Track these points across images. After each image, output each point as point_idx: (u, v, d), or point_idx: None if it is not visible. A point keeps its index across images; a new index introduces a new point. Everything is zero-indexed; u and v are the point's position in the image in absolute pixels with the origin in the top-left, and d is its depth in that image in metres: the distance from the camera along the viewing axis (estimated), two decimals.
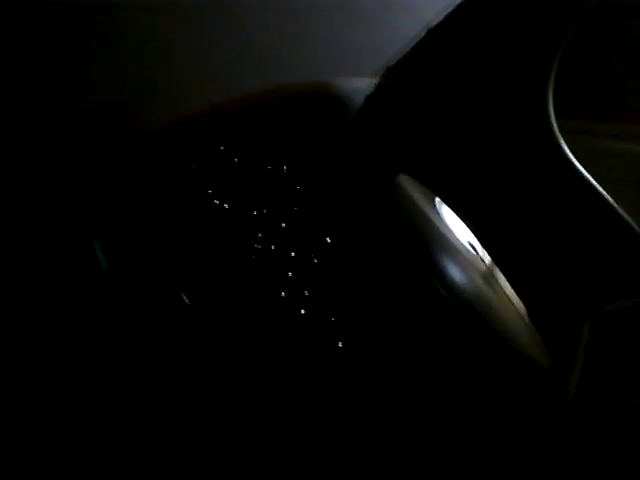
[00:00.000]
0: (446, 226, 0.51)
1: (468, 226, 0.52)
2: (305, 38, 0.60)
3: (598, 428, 0.47)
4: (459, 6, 0.54)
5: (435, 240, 0.49)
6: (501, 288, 0.50)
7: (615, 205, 0.51)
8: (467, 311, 0.47)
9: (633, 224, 0.51)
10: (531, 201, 0.52)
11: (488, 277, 0.50)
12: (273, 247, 0.44)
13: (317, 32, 0.60)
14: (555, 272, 0.51)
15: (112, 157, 0.48)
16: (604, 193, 0.51)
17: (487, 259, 0.51)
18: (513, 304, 0.50)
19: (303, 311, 0.44)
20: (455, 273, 0.48)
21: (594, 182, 0.51)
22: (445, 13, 0.54)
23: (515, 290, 0.51)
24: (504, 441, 0.46)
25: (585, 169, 0.51)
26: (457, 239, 0.51)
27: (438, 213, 0.52)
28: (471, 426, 0.45)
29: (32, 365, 0.44)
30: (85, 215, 0.47)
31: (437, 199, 0.52)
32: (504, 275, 0.51)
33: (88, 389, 0.44)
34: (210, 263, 0.44)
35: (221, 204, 0.45)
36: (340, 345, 0.44)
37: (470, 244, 0.51)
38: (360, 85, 0.56)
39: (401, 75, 0.55)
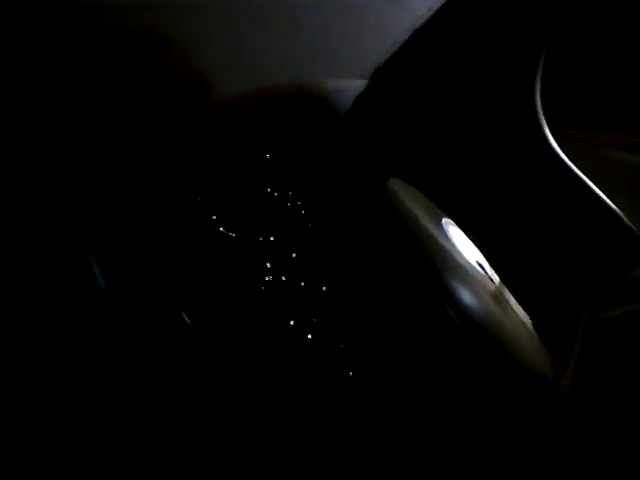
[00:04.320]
0: (454, 246, 0.50)
1: (474, 242, 0.52)
2: (300, 37, 0.59)
3: (590, 439, 0.47)
4: (444, 6, 0.53)
5: (444, 262, 0.49)
6: (511, 308, 0.50)
7: (613, 207, 0.50)
8: (480, 336, 0.46)
9: (631, 225, 0.50)
10: (527, 205, 0.52)
11: (498, 298, 0.50)
12: (284, 278, 0.43)
13: (311, 31, 0.59)
14: (553, 276, 0.51)
15: (111, 169, 0.47)
16: (603, 196, 0.50)
17: (496, 278, 0.51)
18: (524, 324, 0.49)
19: (310, 336, 0.43)
20: (466, 297, 0.47)
21: (592, 185, 0.50)
22: (430, 13, 0.54)
23: (520, 302, 0.51)
24: (504, 448, 0.46)
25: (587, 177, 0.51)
26: (466, 259, 0.50)
27: (445, 232, 0.51)
28: (477, 441, 0.45)
29: (27, 384, 0.43)
30: (82, 231, 0.46)
31: (444, 219, 0.51)
32: (508, 285, 0.51)
33: (85, 409, 0.43)
34: (213, 287, 0.43)
35: (225, 229, 0.44)
36: (351, 374, 0.43)
37: (478, 263, 0.51)
38: (349, 86, 0.55)
39: (389, 76, 0.54)
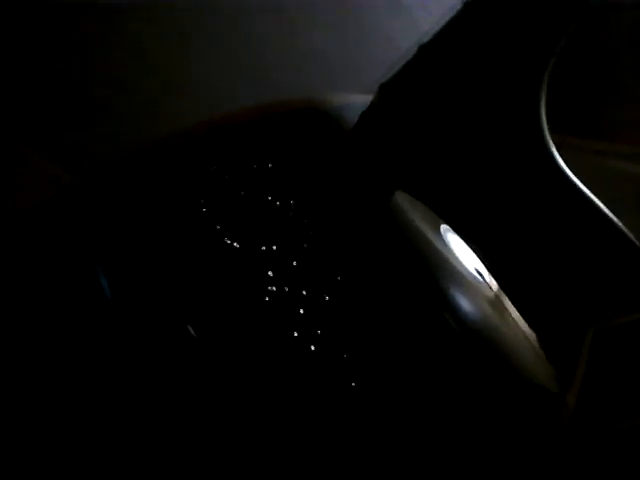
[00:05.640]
0: (452, 253, 0.51)
1: (473, 250, 0.52)
2: (305, 51, 0.59)
3: (597, 448, 0.47)
4: (450, 22, 0.53)
5: (443, 270, 0.49)
6: (510, 315, 0.50)
7: (613, 217, 0.51)
8: (479, 343, 0.47)
9: (633, 238, 0.51)
10: (528, 216, 0.52)
11: (497, 305, 0.50)
12: (287, 289, 0.44)
13: (316, 44, 0.59)
14: (556, 289, 0.51)
15: (118, 182, 0.47)
16: (602, 206, 0.51)
17: (494, 285, 0.51)
18: (523, 331, 0.50)
19: (313, 347, 0.43)
20: (465, 305, 0.48)
21: (592, 195, 0.51)
22: (437, 28, 0.54)
23: (520, 311, 0.51)
24: (507, 459, 0.46)
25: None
26: (464, 267, 0.51)
27: (443, 239, 0.51)
28: (478, 452, 0.46)
29: (33, 393, 0.43)
30: (88, 241, 0.46)
31: (443, 225, 0.52)
32: (508, 294, 0.51)
33: (90, 419, 0.43)
34: (218, 298, 0.44)
35: (230, 239, 0.45)
36: (353, 385, 0.43)
37: (477, 270, 0.51)
38: (354, 101, 0.56)
39: (395, 91, 0.55)
